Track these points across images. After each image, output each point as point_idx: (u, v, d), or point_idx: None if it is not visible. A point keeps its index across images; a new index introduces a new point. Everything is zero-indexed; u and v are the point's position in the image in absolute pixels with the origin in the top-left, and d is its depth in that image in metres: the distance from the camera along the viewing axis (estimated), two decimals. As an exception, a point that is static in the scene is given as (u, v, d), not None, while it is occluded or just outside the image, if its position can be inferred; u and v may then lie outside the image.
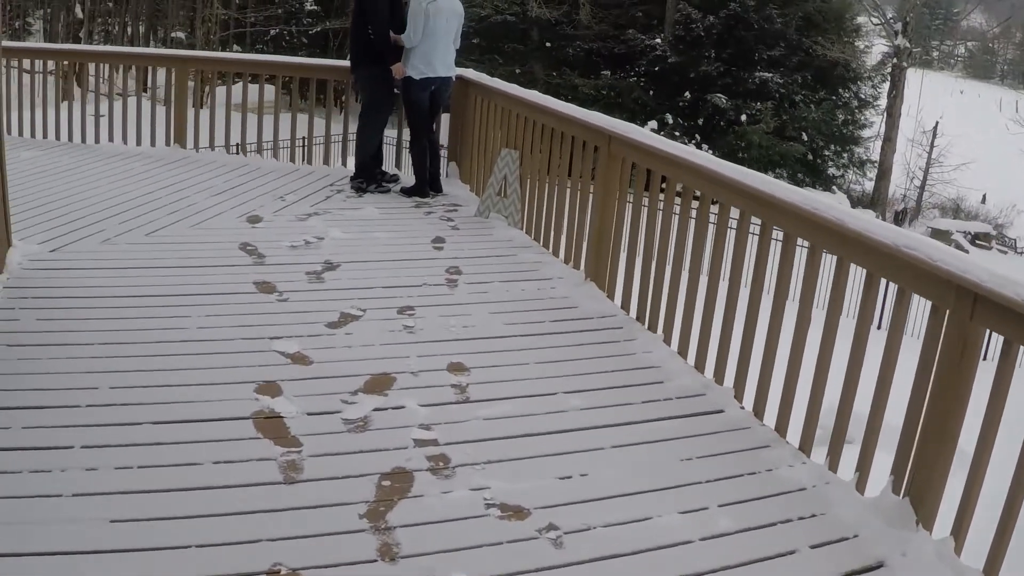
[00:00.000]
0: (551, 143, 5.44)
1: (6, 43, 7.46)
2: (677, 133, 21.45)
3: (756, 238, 3.57)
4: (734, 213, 3.76)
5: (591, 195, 4.94)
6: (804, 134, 21.65)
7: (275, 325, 4.00)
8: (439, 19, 6.14)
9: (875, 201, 23.56)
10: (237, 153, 7.38)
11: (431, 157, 6.62)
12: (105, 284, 4.38)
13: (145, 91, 7.16)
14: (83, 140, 7.72)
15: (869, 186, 25.65)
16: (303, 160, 7.42)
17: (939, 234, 21.53)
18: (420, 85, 6.25)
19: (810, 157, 22.13)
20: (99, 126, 7.67)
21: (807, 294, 3.27)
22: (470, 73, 6.76)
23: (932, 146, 27.39)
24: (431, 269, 4.97)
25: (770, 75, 21.69)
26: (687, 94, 22.31)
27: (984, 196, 28.58)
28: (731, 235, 4.30)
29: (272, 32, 30.32)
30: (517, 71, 22.67)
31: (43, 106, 7.71)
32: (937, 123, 27.33)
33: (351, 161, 6.97)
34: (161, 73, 7.92)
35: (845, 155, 23.59)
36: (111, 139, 7.62)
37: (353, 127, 6.96)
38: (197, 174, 6.79)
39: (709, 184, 3.85)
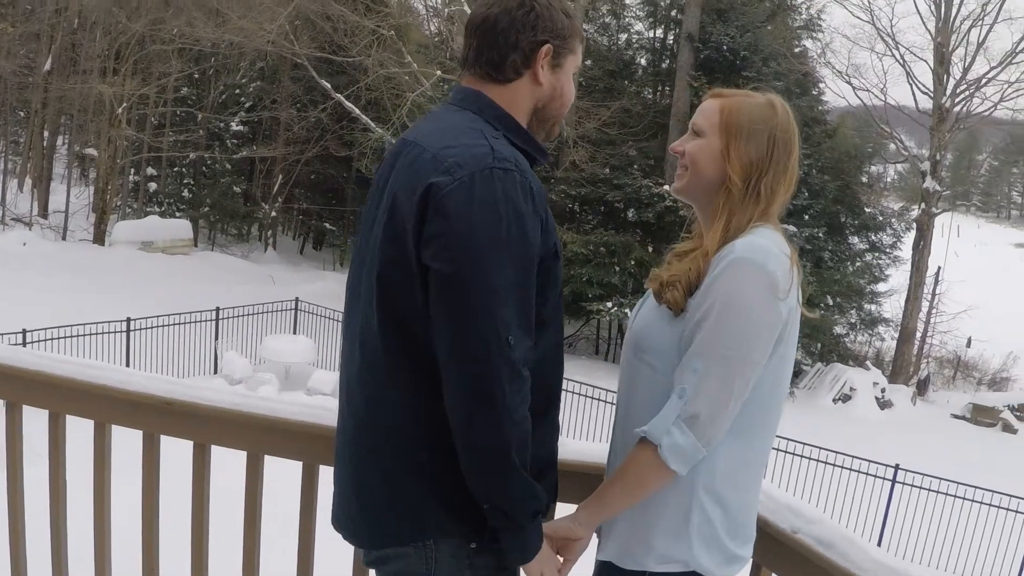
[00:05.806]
0: None
1: None
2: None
3: None
4: None
5: None
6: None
7: None
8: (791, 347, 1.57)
9: (897, 370, 19.85)
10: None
11: None
12: None
13: None
14: None
15: (882, 347, 22.18)
16: None
17: (983, 411, 17.60)
18: None
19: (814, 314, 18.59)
20: None
21: None
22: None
23: (934, 294, 22.73)
24: None
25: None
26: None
27: (969, 340, 24.30)
28: None
29: (191, 156, 25.80)
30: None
31: None
32: (939, 268, 22.70)
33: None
34: None
35: (853, 311, 20.01)
36: None
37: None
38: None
39: None
